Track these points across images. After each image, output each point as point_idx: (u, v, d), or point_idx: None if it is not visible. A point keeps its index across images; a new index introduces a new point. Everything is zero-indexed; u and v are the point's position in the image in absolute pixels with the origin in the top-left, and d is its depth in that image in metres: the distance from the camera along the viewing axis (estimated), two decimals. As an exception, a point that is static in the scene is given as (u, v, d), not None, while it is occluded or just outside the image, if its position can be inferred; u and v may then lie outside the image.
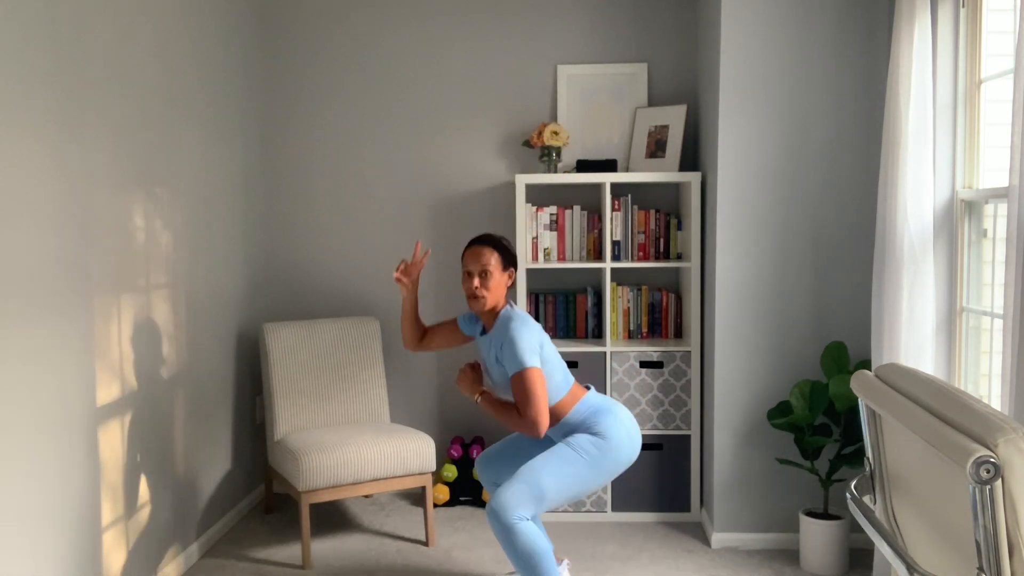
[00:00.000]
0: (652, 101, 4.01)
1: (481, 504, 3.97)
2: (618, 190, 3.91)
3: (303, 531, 3.29)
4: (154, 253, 3.05)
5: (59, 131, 2.45)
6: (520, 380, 2.68)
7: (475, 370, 2.93)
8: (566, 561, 3.18)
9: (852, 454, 3.20)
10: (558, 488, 2.69)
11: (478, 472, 3.11)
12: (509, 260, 2.86)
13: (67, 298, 2.49)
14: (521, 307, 3.69)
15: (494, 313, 2.86)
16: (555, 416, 2.82)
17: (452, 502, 3.96)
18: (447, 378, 4.16)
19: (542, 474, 2.68)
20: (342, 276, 4.16)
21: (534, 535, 2.63)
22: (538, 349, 2.73)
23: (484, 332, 2.93)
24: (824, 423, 3.31)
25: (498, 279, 2.82)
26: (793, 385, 3.38)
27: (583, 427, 2.78)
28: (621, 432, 2.77)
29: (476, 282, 2.80)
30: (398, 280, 2.97)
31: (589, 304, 3.92)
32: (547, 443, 2.93)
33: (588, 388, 2.91)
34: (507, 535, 2.62)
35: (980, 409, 1.40)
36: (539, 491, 2.66)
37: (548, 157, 3.86)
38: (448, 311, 4.11)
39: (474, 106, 4.07)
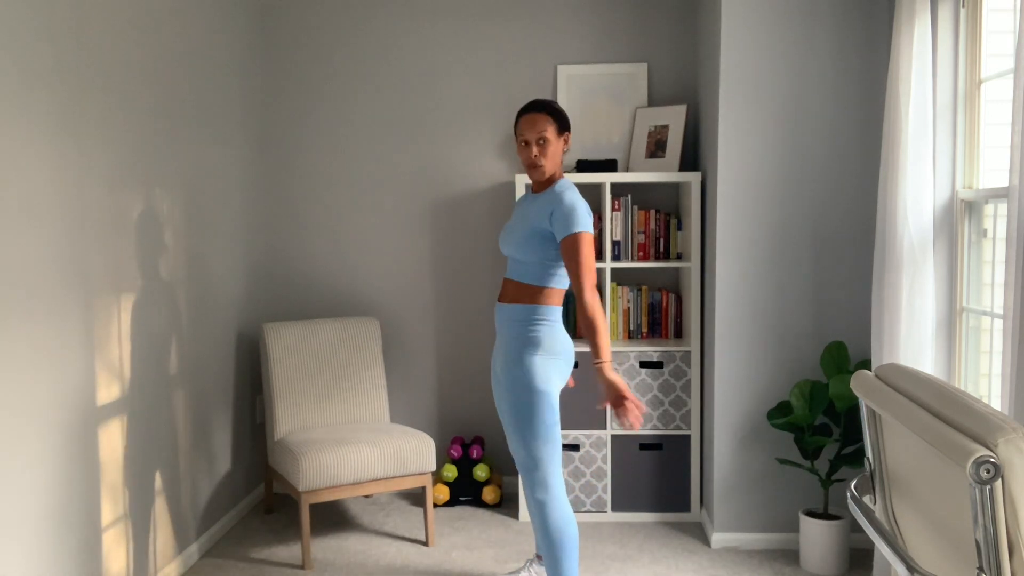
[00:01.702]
0: (652, 101, 4.01)
1: (481, 504, 3.97)
2: (618, 190, 3.91)
3: (303, 531, 3.29)
4: (154, 253, 3.05)
5: (59, 131, 2.45)
6: (572, 243, 2.64)
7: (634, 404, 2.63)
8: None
9: (852, 454, 3.20)
10: (543, 429, 2.71)
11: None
12: (565, 125, 2.80)
13: (67, 298, 2.49)
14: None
15: (550, 182, 2.81)
16: (534, 297, 2.78)
17: (452, 502, 3.96)
18: (447, 378, 4.16)
19: (526, 437, 2.71)
20: (342, 276, 4.16)
21: (565, 519, 2.73)
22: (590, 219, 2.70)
23: (529, 194, 2.89)
24: (824, 423, 3.31)
25: (556, 146, 2.76)
26: (793, 385, 3.38)
27: (526, 335, 2.74)
28: (560, 333, 2.78)
29: (535, 150, 2.75)
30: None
31: (589, 304, 3.91)
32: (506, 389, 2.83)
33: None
34: (540, 512, 2.73)
35: (980, 409, 1.40)
36: (536, 449, 2.71)
37: (548, 157, 3.85)
38: (452, 309, 4.12)
39: (474, 106, 4.07)
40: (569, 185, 2.77)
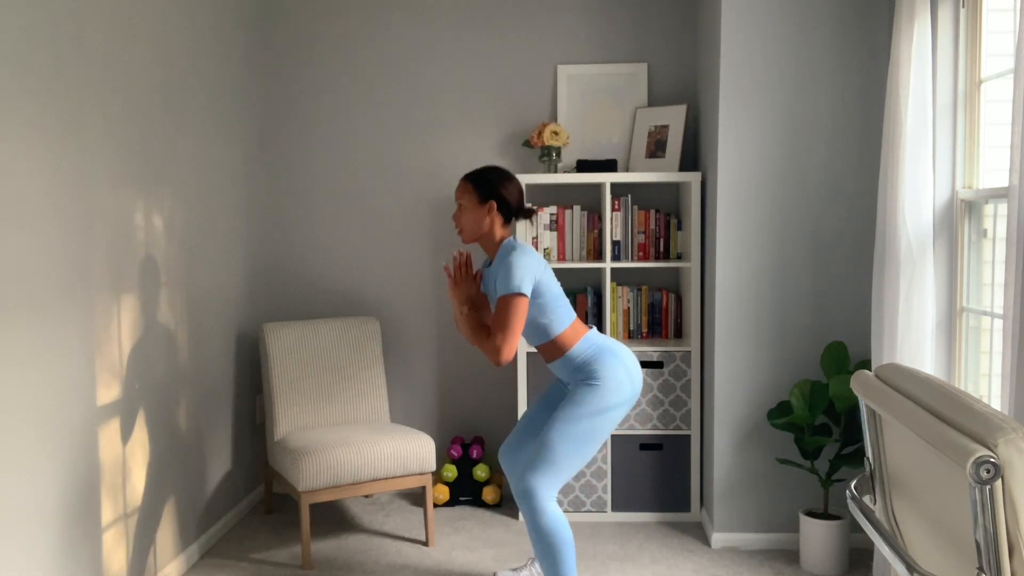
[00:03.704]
0: (652, 101, 4.01)
1: (481, 504, 3.97)
2: (618, 190, 3.91)
3: (303, 531, 3.29)
4: (154, 253, 3.05)
5: (58, 130, 2.45)
6: (503, 303, 2.70)
7: (476, 281, 2.92)
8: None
9: (852, 454, 3.20)
10: (574, 451, 2.72)
11: (503, 466, 3.08)
12: (486, 194, 2.83)
13: (67, 298, 2.49)
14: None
15: (497, 246, 2.87)
16: (560, 348, 2.82)
17: (452, 502, 3.96)
18: (447, 378, 4.16)
19: (554, 445, 2.71)
20: (342, 276, 4.16)
21: (559, 523, 2.71)
22: (532, 280, 2.73)
23: (489, 264, 2.94)
24: (824, 423, 3.31)
25: (473, 213, 2.84)
26: (793, 385, 3.38)
27: (584, 370, 2.77)
28: (620, 372, 2.76)
29: (455, 214, 2.89)
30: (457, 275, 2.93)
31: (589, 304, 3.92)
32: (553, 406, 2.96)
33: (591, 327, 2.91)
34: (534, 517, 2.70)
35: (980, 409, 1.40)
36: (558, 462, 2.71)
37: (548, 157, 3.86)
38: (452, 309, 4.11)
39: (474, 106, 4.07)
40: (513, 244, 2.81)
